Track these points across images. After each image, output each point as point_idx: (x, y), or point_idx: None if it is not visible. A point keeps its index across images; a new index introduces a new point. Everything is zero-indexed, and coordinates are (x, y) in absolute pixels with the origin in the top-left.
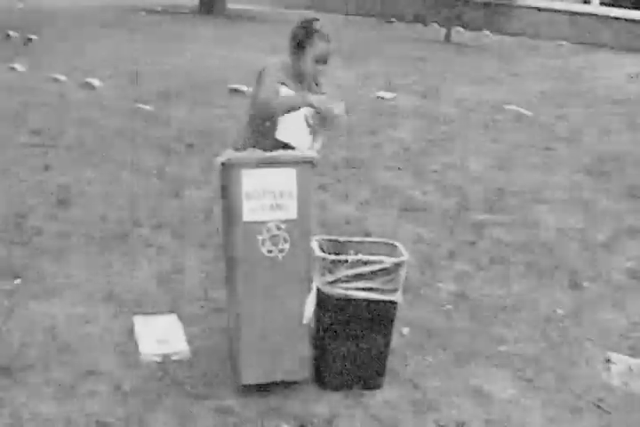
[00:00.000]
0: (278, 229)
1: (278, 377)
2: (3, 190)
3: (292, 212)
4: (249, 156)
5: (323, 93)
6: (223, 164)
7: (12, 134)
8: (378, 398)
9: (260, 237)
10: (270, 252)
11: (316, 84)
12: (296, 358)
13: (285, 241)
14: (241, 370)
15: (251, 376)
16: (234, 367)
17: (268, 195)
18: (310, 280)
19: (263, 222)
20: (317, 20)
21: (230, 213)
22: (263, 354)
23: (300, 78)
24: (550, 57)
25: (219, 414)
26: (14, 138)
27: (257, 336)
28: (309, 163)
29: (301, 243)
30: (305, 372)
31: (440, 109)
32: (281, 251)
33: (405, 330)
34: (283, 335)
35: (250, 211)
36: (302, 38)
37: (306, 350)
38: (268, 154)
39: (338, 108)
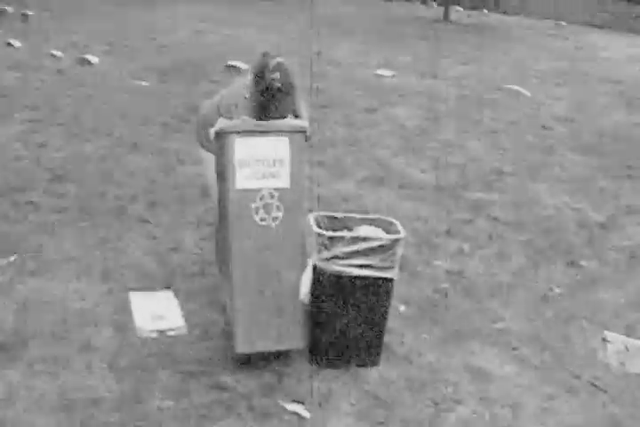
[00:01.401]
0: (271, 196)
1: (273, 347)
2: None
3: (284, 180)
4: (242, 124)
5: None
6: (217, 132)
7: (8, 110)
8: (374, 376)
9: (253, 205)
10: (263, 220)
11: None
12: (291, 327)
13: (279, 209)
14: (236, 339)
15: (246, 345)
16: (229, 337)
17: (260, 163)
18: (304, 252)
19: (256, 190)
20: (274, 56)
21: (224, 180)
22: (258, 323)
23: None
24: (549, 37)
25: (214, 390)
26: (11, 114)
27: (251, 305)
28: (302, 132)
29: (294, 212)
30: (300, 341)
31: (438, 88)
32: (274, 219)
33: (402, 307)
34: (277, 304)
35: (243, 178)
36: (264, 101)
37: (300, 318)
38: (261, 122)
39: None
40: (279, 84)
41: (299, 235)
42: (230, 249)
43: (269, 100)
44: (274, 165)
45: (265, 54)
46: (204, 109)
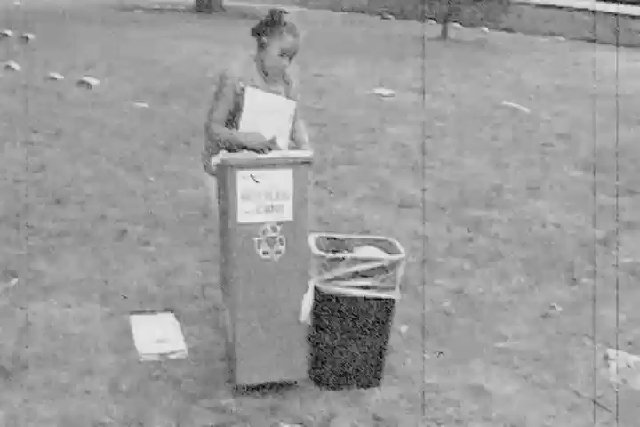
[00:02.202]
0: (274, 230)
1: (275, 377)
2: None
3: (287, 213)
4: (245, 156)
5: (290, 84)
6: (219, 164)
7: (8, 133)
8: (376, 397)
9: (255, 239)
10: (266, 253)
11: (284, 78)
12: (293, 359)
13: (281, 243)
14: (237, 371)
15: (247, 377)
16: (230, 367)
17: (263, 196)
18: (307, 282)
19: (259, 224)
20: (286, 12)
21: (226, 214)
22: (259, 355)
23: (266, 72)
24: (547, 53)
25: (216, 413)
26: (11, 136)
27: (253, 337)
28: (306, 163)
29: (298, 244)
30: (302, 372)
31: (437, 106)
32: (277, 252)
33: (404, 328)
34: (279, 336)
35: (245, 212)
36: (267, 31)
37: (303, 350)
38: (264, 155)
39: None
40: (292, 22)
41: (302, 267)
42: (232, 282)
43: (274, 30)
44: (277, 198)
45: (274, 14)
46: (211, 132)
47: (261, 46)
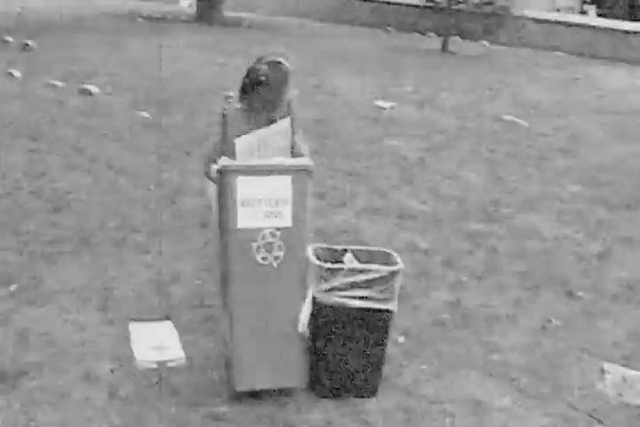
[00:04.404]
0: (273, 236)
1: (273, 384)
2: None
3: (287, 219)
4: (245, 163)
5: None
6: (219, 171)
7: (9, 140)
8: (373, 407)
9: (254, 245)
10: (265, 259)
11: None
12: (291, 366)
13: (280, 249)
14: (235, 377)
15: (245, 383)
16: (228, 374)
17: (263, 202)
18: (305, 288)
19: (258, 229)
20: (262, 68)
21: (225, 219)
22: (257, 361)
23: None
24: (547, 68)
25: (214, 421)
26: (11, 144)
27: (251, 343)
28: (305, 171)
29: (296, 251)
30: (300, 379)
31: (437, 119)
32: (276, 258)
33: (401, 339)
34: (277, 343)
35: (245, 218)
36: (248, 90)
37: (301, 357)
38: (265, 161)
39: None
40: (263, 78)
41: (300, 274)
42: (230, 288)
43: (252, 88)
44: (276, 204)
45: (269, 53)
46: (212, 142)
47: (245, 98)
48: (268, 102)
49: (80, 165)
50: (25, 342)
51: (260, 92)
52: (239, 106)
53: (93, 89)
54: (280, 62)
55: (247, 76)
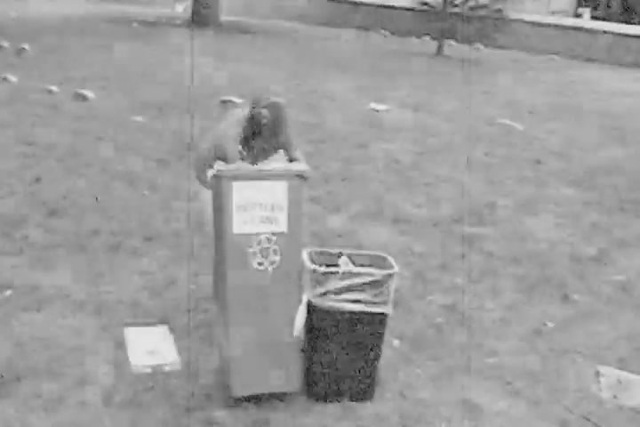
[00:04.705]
0: (269, 241)
1: (268, 389)
2: None
3: (282, 225)
4: (240, 168)
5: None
6: (215, 176)
7: (4, 145)
8: (368, 410)
9: (250, 250)
10: (261, 264)
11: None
12: (286, 370)
13: (276, 254)
14: (230, 382)
15: (240, 388)
16: (224, 379)
17: (258, 207)
18: (301, 293)
19: (253, 235)
20: (264, 110)
21: (221, 224)
22: (253, 366)
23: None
24: (542, 71)
25: (208, 425)
26: (6, 149)
27: (246, 348)
28: (301, 176)
29: (292, 256)
30: (295, 384)
31: (432, 122)
32: (271, 263)
33: (396, 342)
34: (272, 347)
35: (240, 223)
36: (250, 136)
37: (296, 362)
38: (260, 167)
39: None
40: (265, 121)
41: (296, 279)
42: (226, 293)
43: (255, 134)
44: (272, 209)
45: (261, 94)
46: (203, 146)
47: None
48: (272, 143)
49: (75, 169)
50: (20, 347)
51: (264, 136)
52: (240, 155)
53: (88, 94)
54: (277, 103)
55: (249, 124)
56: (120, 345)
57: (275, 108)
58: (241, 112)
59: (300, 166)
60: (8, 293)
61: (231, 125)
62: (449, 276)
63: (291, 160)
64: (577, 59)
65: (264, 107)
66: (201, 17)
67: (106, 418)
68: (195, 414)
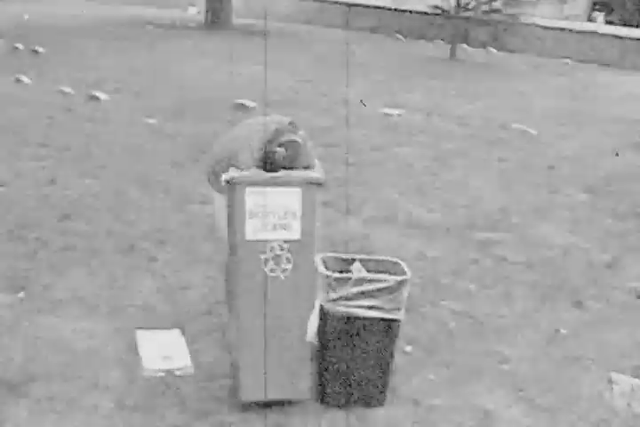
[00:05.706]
0: (281, 249)
1: (279, 396)
2: (8, 203)
3: (295, 232)
4: (254, 174)
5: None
6: (228, 182)
7: (18, 147)
8: (380, 417)
9: (262, 257)
10: (273, 271)
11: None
12: (297, 378)
13: (288, 261)
14: (241, 388)
15: (251, 394)
16: (235, 384)
17: (271, 214)
18: (313, 300)
19: (266, 241)
20: (280, 149)
21: (234, 231)
22: (264, 373)
23: None
24: (555, 75)
25: None
26: (20, 151)
27: (258, 355)
28: (315, 184)
29: (305, 263)
30: (306, 391)
31: (445, 127)
32: (284, 271)
33: (408, 348)
34: (284, 354)
35: (253, 230)
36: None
37: (308, 369)
38: (274, 173)
39: None
40: (281, 160)
41: (308, 286)
42: (238, 300)
43: (268, 171)
44: (285, 216)
45: (278, 129)
46: (215, 151)
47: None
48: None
49: (89, 172)
50: (33, 350)
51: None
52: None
53: (102, 96)
54: (294, 142)
55: (265, 160)
56: (132, 349)
57: (292, 147)
58: (255, 122)
59: (314, 173)
60: (21, 295)
61: (245, 137)
62: (462, 281)
63: None
64: (591, 63)
65: (280, 145)
66: (214, 19)
67: (118, 422)
68: (207, 419)
